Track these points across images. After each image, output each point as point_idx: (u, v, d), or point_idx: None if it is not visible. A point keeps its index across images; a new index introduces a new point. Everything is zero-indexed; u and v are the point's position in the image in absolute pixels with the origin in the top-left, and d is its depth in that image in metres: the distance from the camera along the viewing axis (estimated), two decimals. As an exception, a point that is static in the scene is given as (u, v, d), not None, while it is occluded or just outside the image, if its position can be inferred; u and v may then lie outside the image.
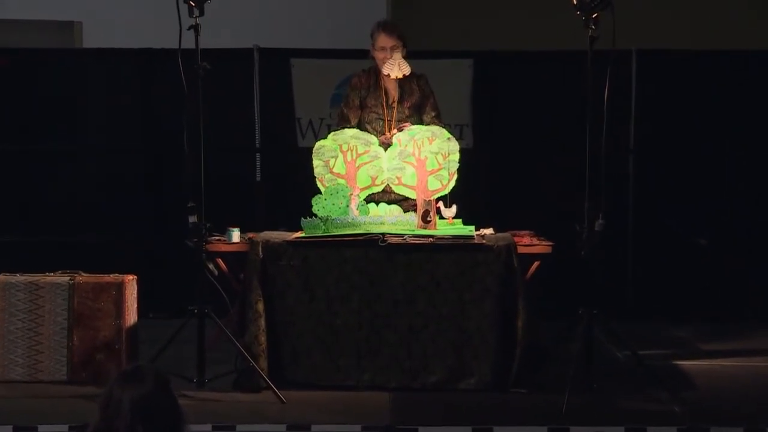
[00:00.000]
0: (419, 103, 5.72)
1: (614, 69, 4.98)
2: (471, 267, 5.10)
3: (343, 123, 5.73)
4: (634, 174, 7.27)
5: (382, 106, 5.69)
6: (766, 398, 5.14)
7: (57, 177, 7.38)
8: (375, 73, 5.74)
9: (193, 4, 4.98)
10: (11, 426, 4.58)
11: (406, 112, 5.70)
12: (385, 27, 5.68)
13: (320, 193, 5.45)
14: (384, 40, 5.61)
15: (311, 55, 7.32)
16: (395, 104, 5.70)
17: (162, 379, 2.81)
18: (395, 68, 5.54)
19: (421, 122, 5.68)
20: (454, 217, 5.51)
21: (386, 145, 5.56)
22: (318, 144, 5.59)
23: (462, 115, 7.20)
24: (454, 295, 5.11)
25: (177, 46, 4.98)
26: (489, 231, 5.47)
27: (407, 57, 5.67)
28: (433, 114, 5.74)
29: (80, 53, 7.83)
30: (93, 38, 8.19)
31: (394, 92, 5.71)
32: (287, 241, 5.20)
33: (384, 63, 5.57)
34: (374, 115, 5.74)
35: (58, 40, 8.39)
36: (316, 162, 5.54)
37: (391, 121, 5.69)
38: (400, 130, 5.55)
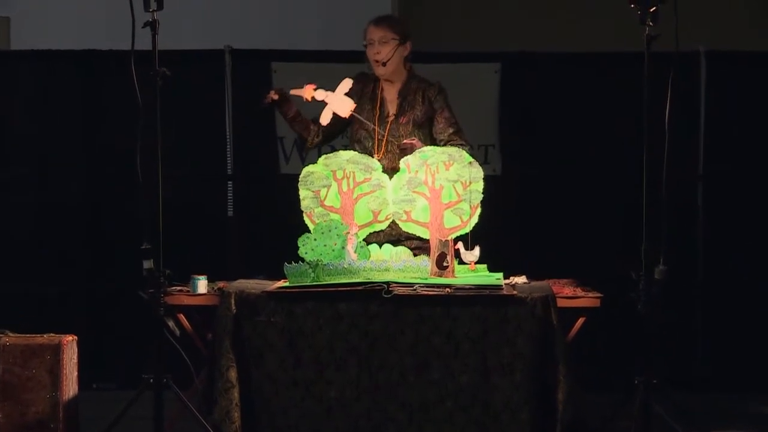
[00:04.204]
0: (421, 119, 5.75)
1: (678, 75, 5.02)
2: (498, 325, 5.10)
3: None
4: (704, 206, 7.28)
5: (374, 120, 5.72)
6: None
7: (-24, 211, 7.41)
8: (374, 80, 5.81)
9: (150, -5, 5.05)
10: None
11: (401, 129, 5.73)
12: (376, 19, 5.78)
13: (309, 231, 5.47)
14: (372, 32, 5.72)
15: (297, 57, 7.37)
16: (390, 118, 5.75)
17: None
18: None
19: (433, 143, 5.71)
20: (477, 262, 5.52)
21: (405, 150, 5.55)
22: (306, 170, 5.61)
23: (487, 133, 7.23)
24: (477, 360, 5.11)
25: (129, 48, 5.02)
26: (521, 279, 5.48)
27: (414, 60, 5.73)
28: (451, 131, 5.76)
29: (8, 56, 7.88)
30: (24, 37, 8.25)
31: (392, 105, 5.77)
32: (267, 292, 5.22)
33: (374, 61, 5.69)
34: (364, 132, 5.78)
35: (-20, 39, 8.47)
36: (303, 192, 5.57)
37: (381, 139, 5.72)
38: (403, 149, 5.55)
